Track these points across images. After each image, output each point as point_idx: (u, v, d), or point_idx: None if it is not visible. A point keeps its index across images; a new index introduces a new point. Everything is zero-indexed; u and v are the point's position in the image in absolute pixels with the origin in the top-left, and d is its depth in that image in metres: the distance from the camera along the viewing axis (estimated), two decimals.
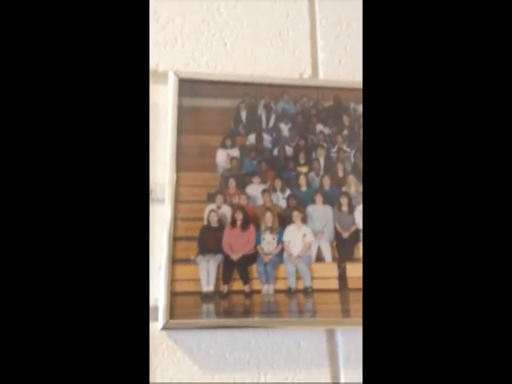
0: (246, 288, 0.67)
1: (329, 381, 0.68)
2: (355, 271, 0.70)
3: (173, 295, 0.64)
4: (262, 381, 0.67)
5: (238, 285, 0.67)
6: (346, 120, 0.78)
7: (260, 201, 0.72)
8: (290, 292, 0.68)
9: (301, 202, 0.72)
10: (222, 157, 0.73)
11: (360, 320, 0.68)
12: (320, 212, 0.73)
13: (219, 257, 0.67)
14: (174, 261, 0.65)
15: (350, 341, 0.70)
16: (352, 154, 0.76)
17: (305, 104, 0.78)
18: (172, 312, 0.63)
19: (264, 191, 0.72)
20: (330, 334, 0.70)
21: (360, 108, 0.79)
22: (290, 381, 0.67)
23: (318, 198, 0.73)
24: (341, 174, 0.75)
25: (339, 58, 0.87)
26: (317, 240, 0.71)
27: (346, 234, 0.72)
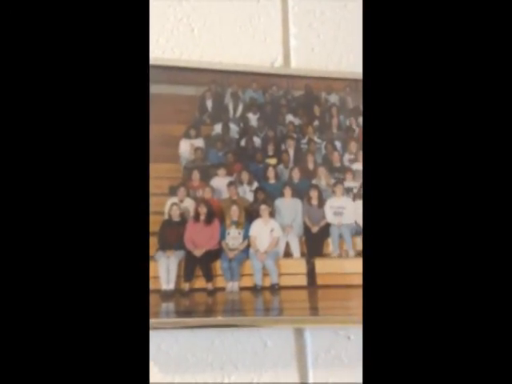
0: (209, 286, 0.63)
1: (297, 381, 0.66)
2: (324, 267, 0.67)
3: None
4: (226, 381, 0.63)
5: (200, 282, 0.63)
6: (317, 110, 0.75)
7: (225, 194, 0.68)
8: (255, 289, 0.65)
9: (269, 196, 0.69)
10: (185, 147, 0.69)
11: (328, 318, 0.66)
12: (289, 206, 0.69)
13: (181, 253, 0.64)
14: None
15: (319, 340, 0.67)
16: (323, 146, 0.73)
17: (274, 93, 0.74)
18: None
19: (230, 184, 0.68)
20: (298, 333, 0.67)
21: (331, 98, 0.76)
22: (255, 381, 0.64)
23: (287, 191, 0.70)
24: (311, 166, 0.72)
25: (312, 46, 0.83)
26: (285, 235, 0.68)
27: (315, 229, 0.69)
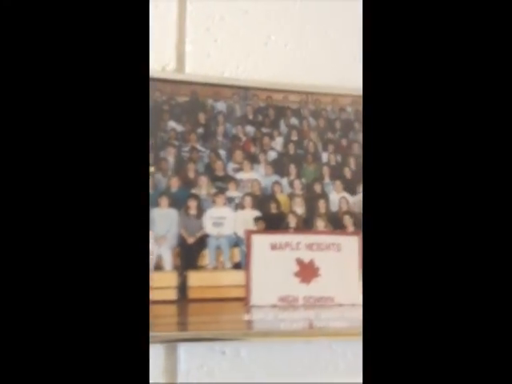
0: None
1: None
2: (197, 280, 0.65)
3: None
4: None
5: None
6: (202, 117, 0.73)
7: None
8: None
9: None
10: None
11: (199, 333, 0.63)
12: (164, 216, 0.67)
13: None
14: None
15: (192, 355, 0.65)
16: (206, 154, 0.71)
17: (157, 99, 0.72)
18: None
19: None
20: (170, 349, 0.64)
21: (218, 105, 0.74)
22: None
23: (163, 201, 0.67)
24: (192, 174, 0.70)
25: (208, 52, 0.82)
26: (158, 247, 0.65)
27: (191, 240, 0.67)
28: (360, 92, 0.81)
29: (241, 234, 0.68)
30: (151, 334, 0.62)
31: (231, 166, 0.72)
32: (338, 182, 0.74)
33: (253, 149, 0.74)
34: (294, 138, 0.76)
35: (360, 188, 0.75)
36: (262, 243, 0.68)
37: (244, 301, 0.65)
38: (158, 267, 0.65)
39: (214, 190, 0.70)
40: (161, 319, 0.62)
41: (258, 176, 0.72)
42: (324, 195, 0.73)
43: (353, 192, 0.74)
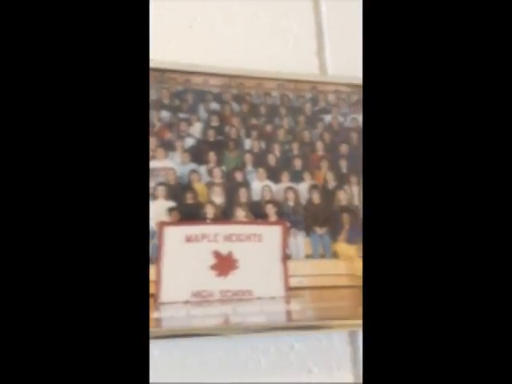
0: None
1: None
2: None
3: None
4: None
5: None
6: None
7: None
8: None
9: None
10: None
11: None
12: None
13: None
14: None
15: None
16: None
17: None
18: None
19: None
20: None
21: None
22: None
23: None
24: None
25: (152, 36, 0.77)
26: None
27: None
28: (286, 76, 0.78)
29: (152, 226, 0.64)
30: None
31: None
32: (261, 170, 0.71)
33: (168, 135, 0.69)
34: (215, 123, 0.72)
35: (284, 176, 0.71)
36: (175, 235, 0.64)
37: (153, 297, 0.61)
38: None
39: None
40: None
41: (173, 164, 0.68)
42: (245, 184, 0.69)
43: (277, 180, 0.71)
